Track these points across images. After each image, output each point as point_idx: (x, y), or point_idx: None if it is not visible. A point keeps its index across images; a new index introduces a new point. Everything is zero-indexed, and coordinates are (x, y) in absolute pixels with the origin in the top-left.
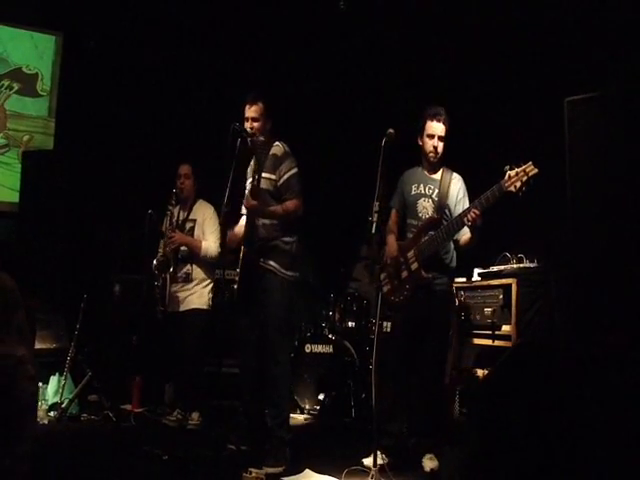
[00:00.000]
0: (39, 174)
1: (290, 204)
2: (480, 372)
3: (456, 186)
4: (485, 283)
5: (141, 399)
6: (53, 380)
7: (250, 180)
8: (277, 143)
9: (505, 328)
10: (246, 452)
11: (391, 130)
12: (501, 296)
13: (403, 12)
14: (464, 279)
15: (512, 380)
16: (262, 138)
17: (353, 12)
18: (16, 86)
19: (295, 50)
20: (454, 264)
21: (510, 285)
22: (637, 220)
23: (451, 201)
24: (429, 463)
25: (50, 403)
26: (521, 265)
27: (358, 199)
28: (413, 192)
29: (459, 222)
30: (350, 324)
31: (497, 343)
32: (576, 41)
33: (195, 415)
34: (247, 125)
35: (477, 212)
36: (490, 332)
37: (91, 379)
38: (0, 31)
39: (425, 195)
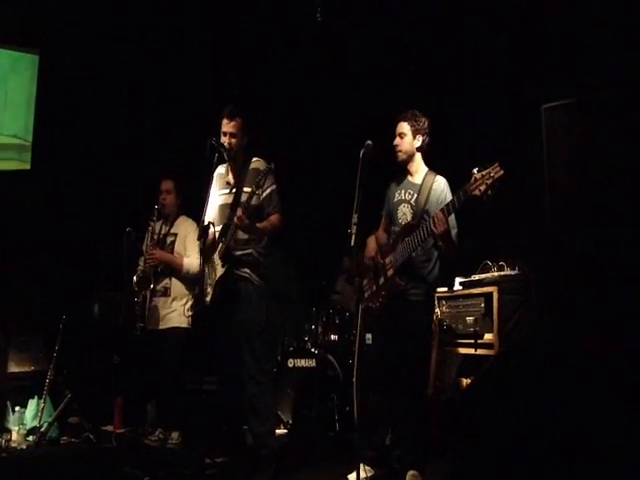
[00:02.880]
0: (16, 194)
1: (275, 219)
2: (463, 381)
3: (438, 190)
4: (467, 292)
5: (123, 419)
6: (32, 403)
7: (224, 192)
8: (256, 158)
9: (487, 336)
10: (227, 468)
11: (369, 142)
12: (483, 304)
13: (381, 21)
14: (445, 288)
15: (496, 388)
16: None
17: (330, 23)
18: None
19: (273, 62)
20: (435, 274)
21: (491, 293)
22: (616, 224)
23: (431, 206)
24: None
25: (29, 427)
26: (502, 273)
27: (339, 212)
28: (395, 199)
29: (427, 228)
30: (333, 337)
31: (480, 352)
32: (554, 47)
33: (175, 434)
34: (224, 140)
35: (439, 218)
36: (472, 341)
37: (71, 401)
38: None
39: (405, 201)
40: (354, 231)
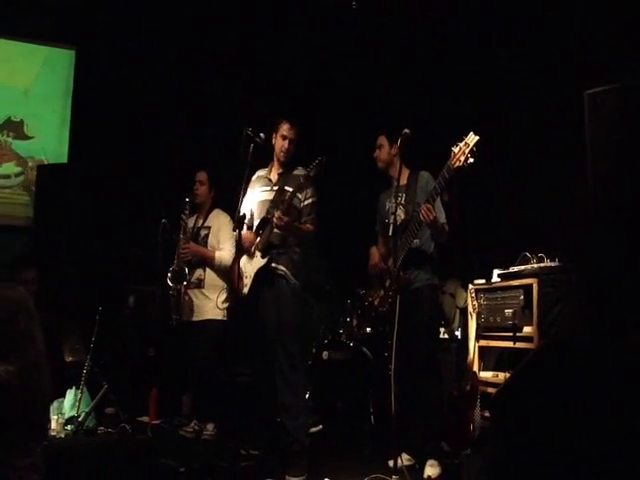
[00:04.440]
0: (53, 188)
1: (310, 228)
2: (501, 375)
3: (422, 182)
4: (505, 284)
5: (158, 411)
6: (70, 393)
7: (265, 189)
8: (301, 167)
9: (527, 329)
10: (261, 461)
11: (407, 130)
12: (522, 297)
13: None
14: (483, 280)
15: (536, 383)
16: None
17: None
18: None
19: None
20: (435, 261)
21: (531, 285)
22: None
23: (420, 198)
24: (429, 470)
25: (67, 417)
26: (542, 265)
27: (375, 205)
28: (387, 207)
29: (417, 219)
30: (368, 330)
31: (518, 345)
32: (595, 33)
33: (210, 426)
34: (283, 143)
35: (427, 206)
36: (511, 334)
37: (107, 392)
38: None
39: (397, 204)
40: (391, 221)
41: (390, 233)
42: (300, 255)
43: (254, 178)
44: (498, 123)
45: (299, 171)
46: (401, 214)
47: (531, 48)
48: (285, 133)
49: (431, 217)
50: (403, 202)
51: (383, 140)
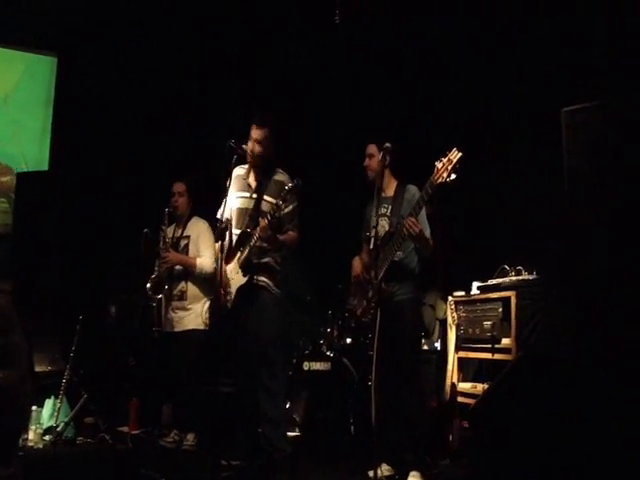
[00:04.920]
0: (33, 195)
1: (294, 235)
2: (480, 386)
3: (409, 195)
4: (484, 296)
5: (138, 421)
6: (48, 403)
7: (244, 195)
8: (281, 171)
9: (505, 341)
10: (242, 471)
11: (388, 144)
12: (500, 309)
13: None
14: (463, 293)
15: (515, 394)
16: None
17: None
18: None
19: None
20: (417, 274)
21: (509, 298)
22: (637, 228)
23: (405, 211)
24: None
25: (45, 427)
26: (520, 277)
27: (357, 215)
28: (373, 217)
29: (402, 232)
30: (348, 340)
31: (497, 357)
32: (575, 50)
33: (190, 436)
34: (250, 146)
35: (412, 220)
36: (490, 345)
37: (87, 401)
38: None
39: (382, 215)
40: (373, 234)
41: (372, 245)
42: (281, 263)
43: (234, 176)
44: (479, 137)
45: (279, 176)
46: (385, 225)
47: (511, 64)
48: (253, 135)
49: (416, 230)
50: (388, 214)
51: (373, 149)
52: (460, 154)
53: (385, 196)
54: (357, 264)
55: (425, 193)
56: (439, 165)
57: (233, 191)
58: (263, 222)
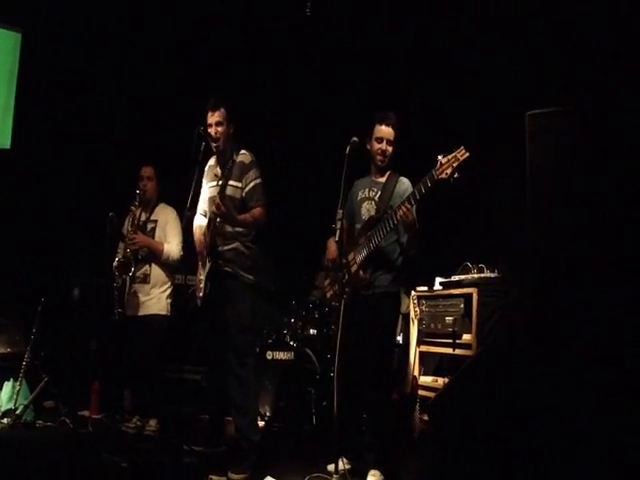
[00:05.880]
0: None
1: (257, 212)
2: (441, 380)
3: (402, 187)
4: (446, 292)
5: (99, 405)
6: (7, 386)
7: (212, 184)
8: (244, 151)
9: (466, 337)
10: (205, 457)
11: (355, 139)
12: (462, 305)
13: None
14: (425, 288)
15: (474, 388)
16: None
17: (319, 16)
18: None
19: (257, 54)
20: (398, 266)
21: (471, 294)
22: (596, 229)
23: (395, 201)
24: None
25: (4, 409)
26: (482, 275)
27: (321, 207)
28: (359, 197)
29: (392, 219)
30: (312, 331)
31: (458, 352)
32: (541, 55)
33: (153, 422)
34: (211, 131)
35: (407, 207)
36: (451, 341)
37: (47, 384)
38: None
39: (369, 198)
40: (338, 226)
41: (358, 224)
42: (250, 250)
43: (206, 168)
44: (445, 137)
45: (241, 157)
46: (371, 210)
47: (478, 67)
48: (209, 120)
49: (410, 218)
50: (376, 198)
51: (393, 135)
52: (468, 154)
53: (375, 180)
54: (332, 246)
55: (423, 185)
56: (443, 160)
57: (206, 182)
58: (216, 201)
